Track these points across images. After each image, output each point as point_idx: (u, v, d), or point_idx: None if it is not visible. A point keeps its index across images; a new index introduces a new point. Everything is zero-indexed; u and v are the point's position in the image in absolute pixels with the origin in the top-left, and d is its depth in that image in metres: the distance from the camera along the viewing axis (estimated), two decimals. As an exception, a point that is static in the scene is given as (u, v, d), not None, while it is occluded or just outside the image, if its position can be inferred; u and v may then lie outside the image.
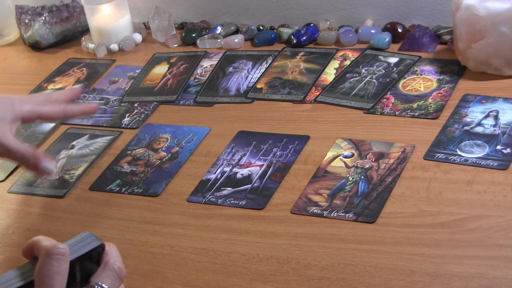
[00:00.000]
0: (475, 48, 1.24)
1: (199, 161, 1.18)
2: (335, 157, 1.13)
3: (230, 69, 1.43)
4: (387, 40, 1.40)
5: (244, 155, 1.18)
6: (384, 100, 1.25)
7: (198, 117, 1.30)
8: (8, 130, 1.00)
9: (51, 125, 1.34)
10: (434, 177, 1.06)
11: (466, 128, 1.14)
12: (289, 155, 1.16)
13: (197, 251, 1.00)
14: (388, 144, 1.14)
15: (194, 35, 1.55)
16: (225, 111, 1.31)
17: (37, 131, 1.33)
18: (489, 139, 1.11)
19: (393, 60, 1.36)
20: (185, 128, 1.28)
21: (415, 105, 1.22)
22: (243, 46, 1.51)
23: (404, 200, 1.03)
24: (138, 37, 1.59)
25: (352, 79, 1.32)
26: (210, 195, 1.10)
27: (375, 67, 1.34)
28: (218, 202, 1.09)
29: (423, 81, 1.28)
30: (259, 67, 1.42)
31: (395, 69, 1.33)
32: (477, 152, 1.09)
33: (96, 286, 0.68)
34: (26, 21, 1.61)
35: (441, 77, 1.28)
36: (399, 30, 1.42)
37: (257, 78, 1.38)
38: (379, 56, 1.38)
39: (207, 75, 1.42)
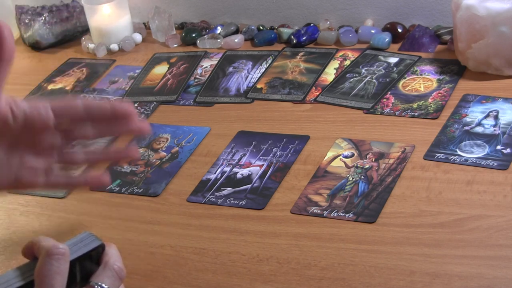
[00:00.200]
0: (475, 48, 1.24)
1: (199, 161, 1.18)
2: (335, 157, 1.13)
3: (230, 69, 1.43)
4: (387, 40, 1.40)
5: (244, 155, 1.18)
6: (384, 100, 1.25)
7: (198, 117, 1.30)
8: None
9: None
10: (434, 177, 1.06)
11: (466, 128, 1.14)
12: (289, 155, 1.16)
13: (197, 251, 1.00)
14: (388, 144, 1.14)
15: (194, 35, 1.55)
16: (225, 111, 1.31)
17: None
18: (489, 139, 1.11)
19: (393, 60, 1.36)
20: (185, 128, 1.28)
21: (415, 105, 1.22)
22: (243, 46, 1.51)
23: (404, 200, 1.03)
24: (138, 37, 1.59)
25: (352, 79, 1.32)
26: (210, 195, 1.10)
27: (375, 67, 1.34)
28: (218, 202, 1.09)
29: (423, 81, 1.28)
30: (259, 67, 1.42)
31: (395, 69, 1.33)
32: (477, 152, 1.09)
33: (96, 286, 0.68)
34: (26, 21, 1.61)
35: (441, 77, 1.28)
36: (399, 30, 1.42)
37: (257, 78, 1.38)
38: (379, 56, 1.38)
39: (207, 75, 1.42)
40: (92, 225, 1.08)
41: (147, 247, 1.02)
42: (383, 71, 1.33)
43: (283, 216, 1.04)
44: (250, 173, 1.13)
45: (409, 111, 1.21)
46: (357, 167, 1.10)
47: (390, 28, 1.43)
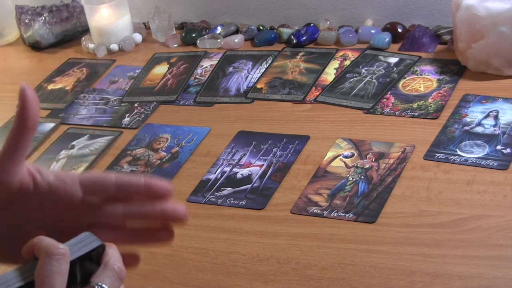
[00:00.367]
0: (475, 48, 1.24)
1: (199, 161, 1.18)
2: (335, 157, 1.13)
3: (230, 69, 1.43)
4: (387, 40, 1.40)
5: (244, 155, 1.18)
6: (384, 100, 1.25)
7: (198, 117, 1.30)
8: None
9: (51, 125, 1.34)
10: (434, 177, 1.06)
11: (466, 128, 1.14)
12: (289, 155, 1.16)
13: (197, 251, 1.00)
14: (388, 144, 1.14)
15: (194, 35, 1.55)
16: (225, 111, 1.31)
17: (37, 131, 1.33)
18: (489, 139, 1.11)
19: (393, 60, 1.36)
20: (185, 128, 1.28)
21: (415, 105, 1.22)
22: (243, 46, 1.51)
23: (404, 200, 1.03)
24: (138, 37, 1.59)
25: (352, 79, 1.32)
26: (210, 195, 1.10)
27: (375, 67, 1.34)
28: (218, 202, 1.09)
29: (423, 81, 1.28)
30: (259, 67, 1.42)
31: (395, 69, 1.33)
32: (477, 152, 1.09)
33: (96, 287, 0.67)
34: (26, 21, 1.61)
35: (441, 77, 1.28)
36: (399, 30, 1.42)
37: (257, 78, 1.38)
38: (379, 56, 1.38)
39: (207, 75, 1.42)
40: (92, 225, 1.08)
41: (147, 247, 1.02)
42: (383, 71, 1.33)
43: (283, 216, 1.04)
44: (250, 173, 1.13)
45: (409, 111, 1.21)
46: (357, 167, 1.10)
47: (390, 28, 1.43)
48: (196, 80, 1.42)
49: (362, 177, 1.08)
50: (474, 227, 0.96)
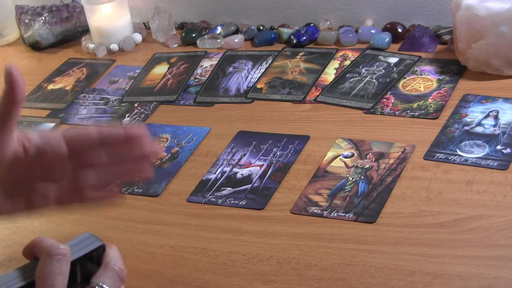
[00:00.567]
0: (475, 48, 1.24)
1: (199, 161, 1.18)
2: (335, 157, 1.13)
3: (230, 69, 1.43)
4: (387, 40, 1.40)
5: (244, 155, 1.18)
6: (384, 100, 1.25)
7: (198, 117, 1.31)
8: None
9: (51, 125, 1.34)
10: (434, 177, 1.06)
11: (466, 128, 1.14)
12: (289, 155, 1.16)
13: (197, 251, 1.00)
14: (388, 144, 1.14)
15: (194, 35, 1.55)
16: (225, 111, 1.31)
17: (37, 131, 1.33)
18: (489, 139, 1.11)
19: (393, 60, 1.36)
20: (185, 128, 1.28)
21: (415, 105, 1.22)
22: (243, 46, 1.51)
23: (404, 200, 1.03)
24: (138, 37, 1.59)
25: (352, 79, 1.32)
26: (210, 195, 1.10)
27: (375, 67, 1.34)
28: (218, 202, 1.09)
29: (423, 81, 1.28)
30: (259, 67, 1.42)
31: (395, 69, 1.33)
32: (477, 152, 1.09)
33: (97, 287, 0.68)
34: (26, 21, 1.61)
35: (441, 77, 1.28)
36: (399, 30, 1.42)
37: (257, 78, 1.38)
38: (379, 56, 1.38)
39: (207, 75, 1.42)
40: (93, 225, 1.08)
41: (147, 247, 1.03)
42: (383, 71, 1.33)
43: (283, 216, 1.04)
44: (250, 173, 1.13)
45: (409, 111, 1.21)
46: (357, 167, 1.10)
47: (390, 28, 1.43)
48: (196, 80, 1.42)
49: (362, 177, 1.08)
50: (474, 227, 0.96)
